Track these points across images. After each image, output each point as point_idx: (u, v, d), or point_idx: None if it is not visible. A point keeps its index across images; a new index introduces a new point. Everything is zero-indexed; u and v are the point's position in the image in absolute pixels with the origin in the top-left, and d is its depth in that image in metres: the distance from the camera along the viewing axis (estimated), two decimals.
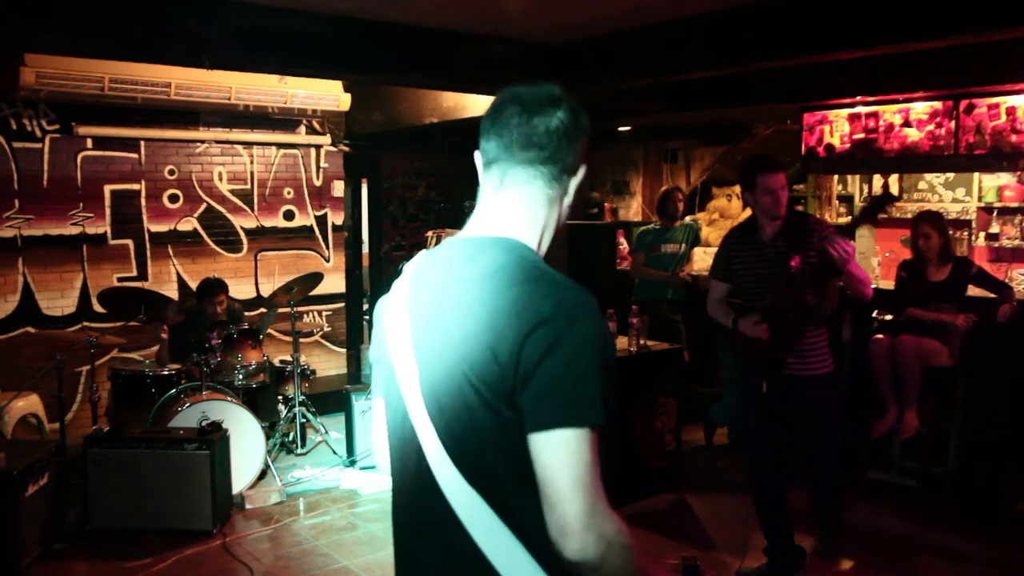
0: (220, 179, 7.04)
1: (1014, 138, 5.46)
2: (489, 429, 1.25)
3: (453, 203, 8.85)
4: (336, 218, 7.74)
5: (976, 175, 6.98)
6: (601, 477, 1.21)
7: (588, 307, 1.25)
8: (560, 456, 1.19)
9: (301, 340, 6.63)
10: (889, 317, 5.12)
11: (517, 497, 1.25)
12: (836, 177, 8.03)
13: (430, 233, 7.81)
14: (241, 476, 4.95)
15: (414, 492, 1.36)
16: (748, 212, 7.56)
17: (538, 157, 1.38)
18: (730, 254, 3.90)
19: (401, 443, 1.39)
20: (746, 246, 3.84)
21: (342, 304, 7.84)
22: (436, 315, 1.35)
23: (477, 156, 1.46)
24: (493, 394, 1.23)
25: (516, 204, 1.40)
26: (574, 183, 1.44)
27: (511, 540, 1.25)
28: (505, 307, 1.24)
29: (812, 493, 4.08)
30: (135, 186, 6.62)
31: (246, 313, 6.44)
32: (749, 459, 4.00)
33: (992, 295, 4.78)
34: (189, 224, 6.89)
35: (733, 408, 5.72)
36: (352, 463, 5.55)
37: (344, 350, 7.84)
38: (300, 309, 7.29)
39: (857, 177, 7.90)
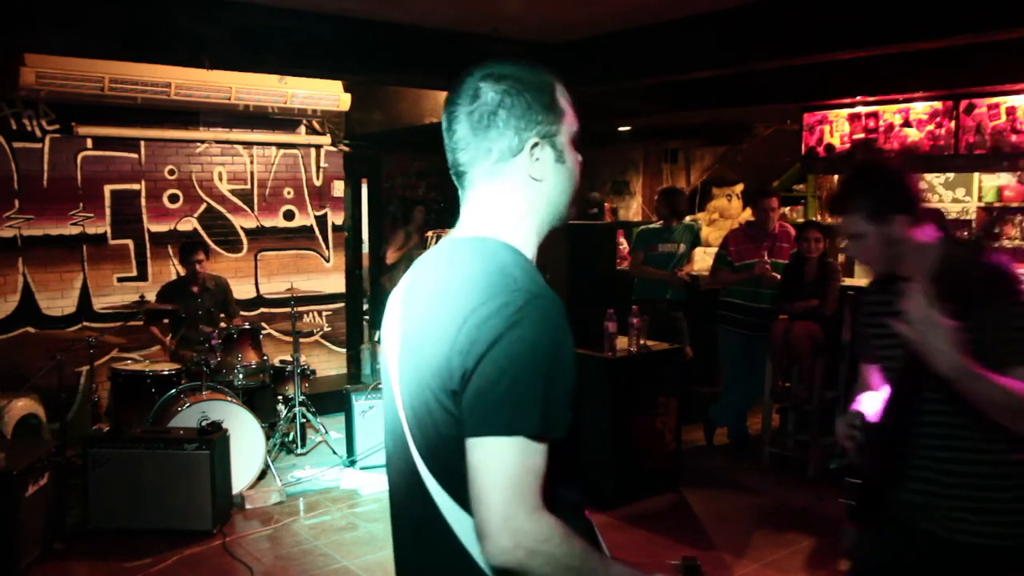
0: (220, 179, 7.04)
1: (1014, 138, 5.46)
2: (449, 434, 1.24)
3: (453, 203, 8.84)
4: (336, 218, 7.74)
5: (976, 175, 6.98)
6: (542, 486, 1.17)
7: (538, 311, 1.19)
8: (482, 461, 1.17)
9: (301, 340, 6.63)
10: None
11: None
12: (836, 177, 8.04)
13: (430, 233, 7.81)
14: (241, 476, 4.94)
15: (403, 493, 1.39)
16: (748, 213, 7.58)
17: (494, 140, 1.33)
18: (869, 321, 2.21)
19: (395, 448, 1.40)
20: (882, 305, 2.12)
21: (342, 304, 7.83)
22: (413, 321, 1.35)
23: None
24: (447, 397, 1.23)
25: (491, 198, 1.37)
26: (559, 141, 1.36)
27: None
28: (459, 310, 1.22)
29: None
30: (135, 186, 6.61)
31: (242, 312, 6.45)
32: None
33: None
34: (189, 224, 6.89)
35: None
36: (352, 463, 5.54)
37: (344, 350, 7.83)
38: (300, 309, 7.29)
39: None
